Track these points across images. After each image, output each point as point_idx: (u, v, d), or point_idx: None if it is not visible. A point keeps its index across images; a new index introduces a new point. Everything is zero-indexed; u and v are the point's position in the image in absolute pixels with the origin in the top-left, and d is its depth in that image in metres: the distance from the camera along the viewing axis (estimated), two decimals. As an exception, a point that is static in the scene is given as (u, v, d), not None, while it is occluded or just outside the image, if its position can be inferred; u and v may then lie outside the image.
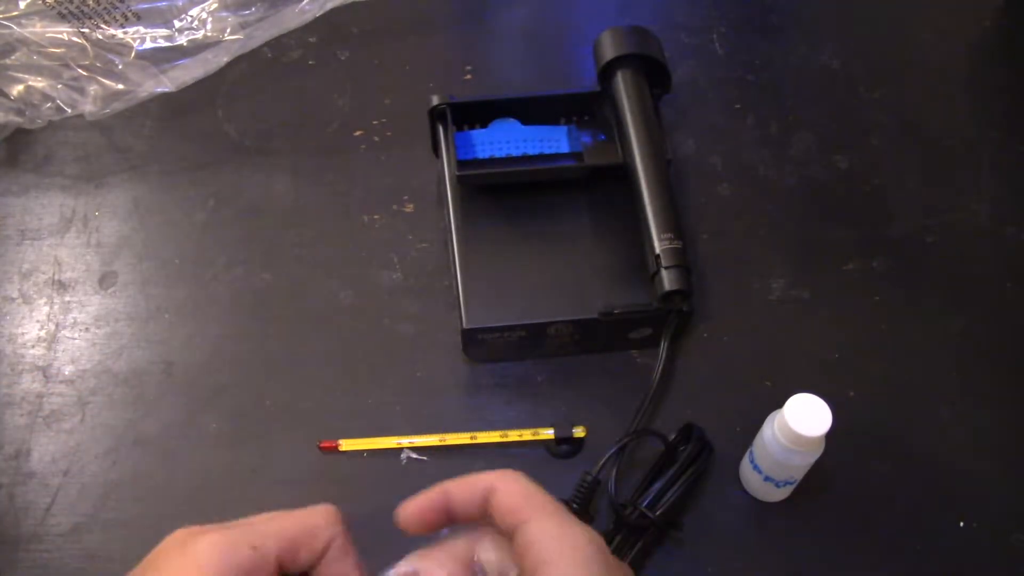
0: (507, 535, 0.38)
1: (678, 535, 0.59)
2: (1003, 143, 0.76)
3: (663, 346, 0.64)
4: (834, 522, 0.61)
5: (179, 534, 0.36)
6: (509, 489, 0.38)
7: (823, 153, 0.75)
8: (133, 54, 0.73)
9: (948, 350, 0.67)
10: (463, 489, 0.39)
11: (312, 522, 0.38)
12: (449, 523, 0.39)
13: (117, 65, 0.72)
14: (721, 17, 0.82)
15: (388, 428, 0.63)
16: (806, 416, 0.53)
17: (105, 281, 0.70)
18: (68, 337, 0.68)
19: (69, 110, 0.72)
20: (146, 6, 0.73)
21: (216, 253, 0.71)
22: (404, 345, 0.67)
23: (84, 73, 0.72)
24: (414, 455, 0.63)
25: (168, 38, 0.73)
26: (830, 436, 0.54)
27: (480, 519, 0.39)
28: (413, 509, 0.39)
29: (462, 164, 0.67)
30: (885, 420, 0.64)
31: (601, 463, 0.60)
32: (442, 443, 0.63)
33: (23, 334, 0.68)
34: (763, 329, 0.67)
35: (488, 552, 0.39)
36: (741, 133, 0.76)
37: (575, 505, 0.59)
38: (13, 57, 0.71)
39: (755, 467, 0.58)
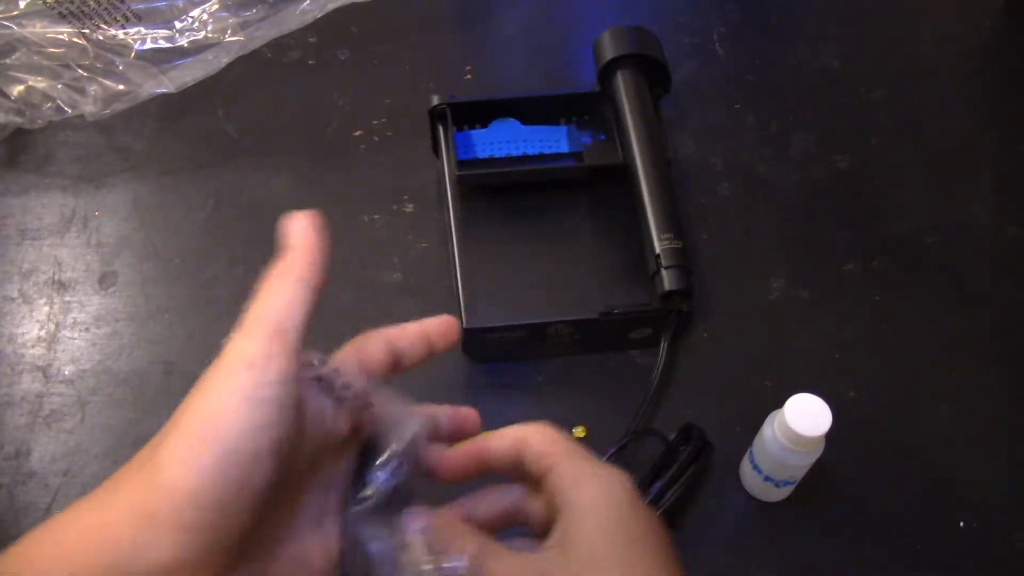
0: (537, 483, 0.39)
1: (678, 535, 0.59)
2: (1003, 143, 0.76)
3: (663, 346, 0.64)
4: (834, 522, 0.61)
5: None
6: (538, 437, 0.39)
7: (823, 153, 0.75)
8: (133, 54, 0.73)
9: (948, 350, 0.67)
10: (497, 438, 0.40)
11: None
12: (484, 471, 0.40)
13: (117, 65, 0.72)
14: (721, 17, 0.82)
15: (388, 428, 0.63)
16: (806, 416, 0.53)
17: (105, 281, 0.70)
18: (68, 337, 0.68)
19: (69, 110, 0.72)
20: (146, 6, 0.73)
21: (216, 253, 0.71)
22: (404, 345, 0.66)
23: (84, 73, 0.72)
24: (414, 455, 0.63)
25: (169, 39, 0.73)
26: (830, 436, 0.54)
27: (513, 472, 0.40)
28: (450, 455, 0.40)
29: (462, 164, 0.67)
30: (885, 420, 0.64)
31: (601, 463, 0.60)
32: (442, 443, 0.62)
33: (23, 334, 0.68)
34: (763, 329, 0.67)
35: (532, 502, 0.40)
36: (741, 133, 0.76)
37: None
38: (13, 57, 0.71)
39: (755, 467, 0.58)
